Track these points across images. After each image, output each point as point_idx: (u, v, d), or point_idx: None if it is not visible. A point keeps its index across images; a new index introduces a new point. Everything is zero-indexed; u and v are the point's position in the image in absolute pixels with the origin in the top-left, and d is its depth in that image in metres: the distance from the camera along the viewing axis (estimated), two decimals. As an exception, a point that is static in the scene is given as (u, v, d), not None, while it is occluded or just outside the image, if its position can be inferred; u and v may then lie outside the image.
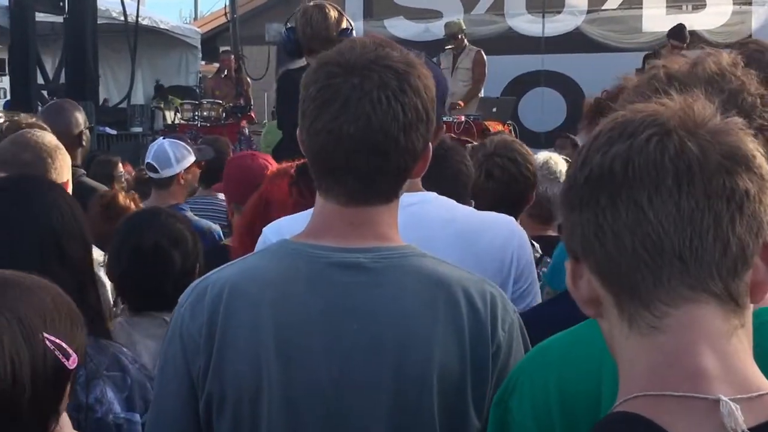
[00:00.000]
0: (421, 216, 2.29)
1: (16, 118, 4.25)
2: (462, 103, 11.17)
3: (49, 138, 3.45)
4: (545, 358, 1.54)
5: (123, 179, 6.32)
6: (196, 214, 4.96)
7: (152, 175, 5.10)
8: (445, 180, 2.76)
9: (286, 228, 2.21)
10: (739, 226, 1.08)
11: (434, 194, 2.40)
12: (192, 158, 5.23)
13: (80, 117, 4.78)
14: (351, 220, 1.76)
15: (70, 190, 3.31)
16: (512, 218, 2.34)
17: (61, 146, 3.44)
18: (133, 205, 4.09)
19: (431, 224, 2.31)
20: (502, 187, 3.34)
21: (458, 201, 2.75)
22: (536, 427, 1.46)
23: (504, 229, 2.25)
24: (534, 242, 3.23)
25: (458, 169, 2.90)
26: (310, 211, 2.23)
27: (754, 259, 1.11)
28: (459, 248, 2.12)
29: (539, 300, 2.49)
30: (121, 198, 4.11)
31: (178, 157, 5.12)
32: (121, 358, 2.24)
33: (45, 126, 3.98)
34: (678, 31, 11.64)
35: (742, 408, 1.05)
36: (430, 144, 1.79)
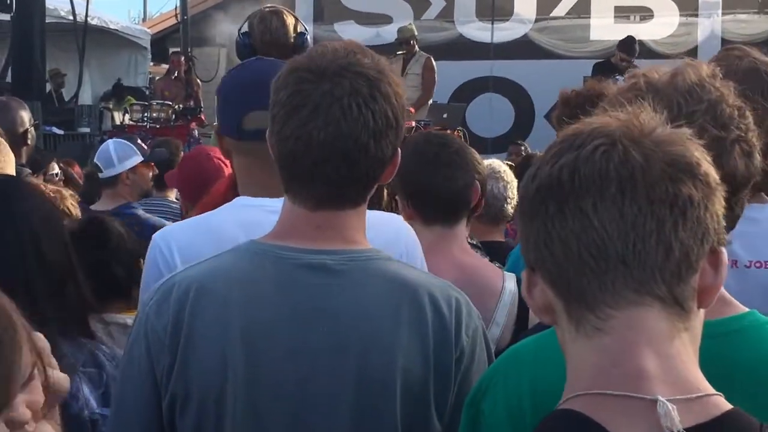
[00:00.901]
0: None
1: None
2: (413, 110, 11.20)
3: None
4: (518, 361, 1.56)
5: (57, 178, 6.27)
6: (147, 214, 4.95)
7: (99, 175, 5.10)
8: (453, 166, 2.77)
9: (174, 234, 2.19)
10: (682, 231, 1.12)
11: None
12: (138, 158, 5.20)
13: (25, 115, 4.73)
14: (318, 223, 1.76)
15: None
16: (399, 217, 2.32)
17: (4, 143, 3.39)
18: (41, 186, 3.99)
19: None
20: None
21: (468, 187, 2.76)
22: (508, 426, 1.48)
23: (390, 227, 2.18)
24: (479, 246, 3.25)
25: (464, 152, 2.85)
26: (205, 217, 2.23)
27: (700, 264, 1.14)
28: None
29: None
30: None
31: (121, 157, 5.12)
32: (98, 354, 2.22)
33: None
34: (628, 43, 11.77)
35: (680, 409, 1.08)
36: (399, 150, 1.80)
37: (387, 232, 2.14)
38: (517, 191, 2.79)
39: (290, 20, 4.76)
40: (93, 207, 5.05)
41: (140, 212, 4.87)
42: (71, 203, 3.75)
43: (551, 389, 1.41)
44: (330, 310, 1.72)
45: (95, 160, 5.10)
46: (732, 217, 1.53)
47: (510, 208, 3.90)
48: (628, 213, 1.11)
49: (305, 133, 1.71)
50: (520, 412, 1.47)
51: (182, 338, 1.72)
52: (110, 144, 5.19)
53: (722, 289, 1.54)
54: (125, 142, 5.42)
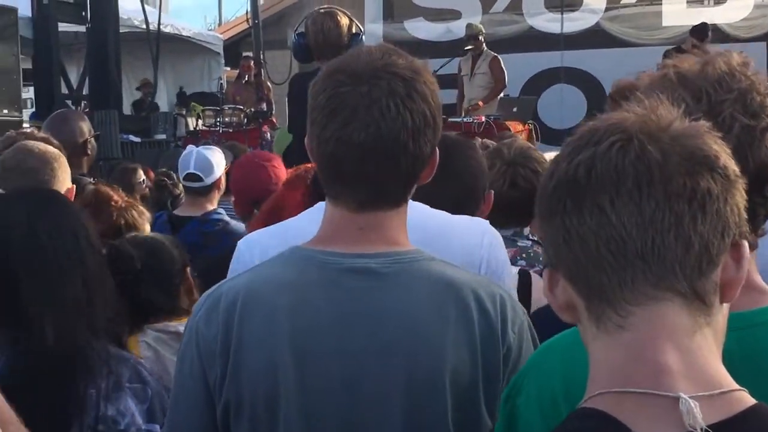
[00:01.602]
0: None
1: (16, 131, 4.28)
2: (481, 103, 11.18)
3: (51, 147, 3.49)
4: (550, 356, 1.56)
5: (144, 186, 6.37)
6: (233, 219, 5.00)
7: (194, 184, 5.10)
8: (452, 176, 2.76)
9: (257, 241, 2.23)
10: (701, 225, 1.11)
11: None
12: (225, 162, 5.28)
13: (84, 126, 4.84)
14: (361, 225, 1.78)
15: (73, 197, 3.34)
16: (485, 221, 2.32)
17: (62, 155, 3.49)
18: (114, 195, 4.04)
19: None
20: (525, 196, 3.35)
21: (468, 195, 2.74)
22: (543, 423, 1.48)
23: (473, 232, 2.23)
24: (539, 243, 3.24)
25: (467, 163, 2.88)
26: (285, 223, 2.27)
27: (721, 258, 1.13)
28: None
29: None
30: (102, 189, 4.03)
31: (218, 162, 5.17)
32: (141, 369, 2.26)
33: (45, 136, 4.01)
34: (700, 29, 11.64)
35: (703, 405, 1.07)
36: (437, 149, 1.82)
37: (471, 236, 2.20)
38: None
39: (344, 21, 4.79)
40: (178, 213, 5.13)
41: (227, 218, 4.91)
42: (136, 215, 3.78)
43: (584, 384, 1.45)
44: (376, 313, 1.74)
45: (192, 170, 5.08)
46: (767, 207, 1.51)
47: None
48: (646, 208, 1.10)
49: (345, 135, 1.73)
50: (554, 407, 1.47)
51: (232, 346, 1.75)
52: (204, 152, 5.22)
53: (758, 279, 1.53)
54: (214, 147, 5.47)
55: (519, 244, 3.27)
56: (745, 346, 1.44)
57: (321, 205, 2.19)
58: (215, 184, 5.12)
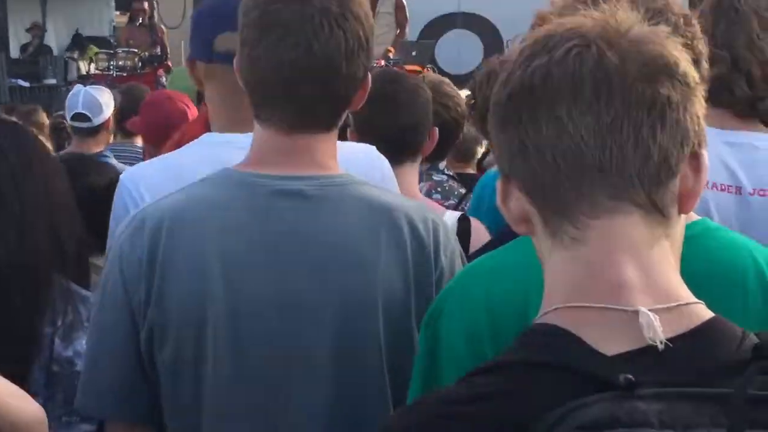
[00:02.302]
0: None
1: None
2: (392, 49, 11.17)
3: None
4: (472, 277, 1.56)
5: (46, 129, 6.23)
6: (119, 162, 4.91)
7: (82, 125, 5.00)
8: (402, 108, 2.72)
9: (142, 175, 2.17)
10: (660, 135, 1.07)
11: None
12: (113, 102, 5.17)
13: None
14: (291, 148, 1.75)
15: None
16: (372, 146, 2.27)
17: None
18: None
19: None
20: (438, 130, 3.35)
21: (416, 128, 2.72)
22: (465, 345, 1.47)
23: (365, 155, 2.18)
24: (455, 177, 3.28)
25: (416, 97, 2.79)
26: (171, 157, 2.20)
27: (680, 167, 1.10)
28: None
29: None
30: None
31: (107, 103, 5.06)
32: None
33: None
34: None
35: (662, 318, 1.04)
36: (369, 73, 1.79)
37: (362, 159, 2.15)
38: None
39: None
40: (62, 154, 5.01)
41: (113, 161, 4.83)
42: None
43: (507, 306, 1.45)
44: (307, 235, 1.72)
45: (81, 110, 4.99)
46: None
47: (481, 150, 3.89)
48: (604, 117, 1.06)
49: (276, 55, 1.69)
50: (477, 330, 1.47)
51: (158, 268, 1.71)
52: (92, 91, 5.11)
53: None
54: (102, 87, 5.37)
55: (434, 177, 3.30)
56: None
57: (207, 137, 2.17)
58: (104, 125, 5.04)
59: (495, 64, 2.55)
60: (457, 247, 1.85)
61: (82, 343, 1.99)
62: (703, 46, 1.55)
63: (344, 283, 1.72)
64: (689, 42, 1.50)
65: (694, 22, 1.56)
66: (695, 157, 1.12)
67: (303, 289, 1.71)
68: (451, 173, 3.29)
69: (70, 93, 5.27)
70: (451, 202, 3.19)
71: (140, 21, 13.78)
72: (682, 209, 1.13)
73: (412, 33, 12.45)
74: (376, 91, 2.71)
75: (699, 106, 1.12)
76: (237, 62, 1.78)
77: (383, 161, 2.22)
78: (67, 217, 2.11)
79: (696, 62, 1.51)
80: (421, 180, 3.26)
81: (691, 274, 1.39)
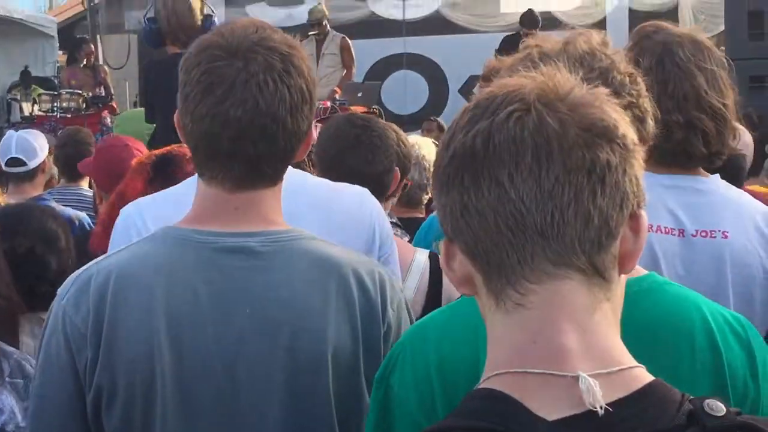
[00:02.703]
0: None
1: None
2: (338, 90, 11.20)
3: None
4: (424, 333, 1.56)
5: None
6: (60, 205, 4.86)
7: (17, 169, 4.95)
8: (372, 150, 2.80)
9: (147, 206, 2.18)
10: (600, 199, 1.08)
11: None
12: (47, 145, 5.13)
13: None
14: (236, 205, 1.75)
15: None
16: (365, 189, 2.32)
17: None
18: None
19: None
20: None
21: (388, 172, 2.80)
22: (417, 400, 1.47)
23: (359, 199, 2.24)
24: (398, 224, 3.28)
25: (386, 136, 2.89)
26: (171, 190, 2.21)
27: (620, 230, 1.11)
28: (316, 220, 2.05)
29: (398, 271, 2.50)
30: None
31: (42, 146, 5.02)
32: (25, 365, 2.15)
33: None
34: (528, 17, 12.00)
35: (602, 383, 1.05)
36: (312, 126, 1.80)
37: (353, 201, 2.21)
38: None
39: (196, 3, 4.73)
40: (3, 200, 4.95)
41: (54, 204, 4.78)
42: None
43: (458, 364, 1.45)
44: (255, 293, 1.71)
45: (15, 154, 4.95)
46: None
47: (427, 196, 3.90)
48: (545, 183, 1.07)
49: (222, 112, 1.69)
50: (429, 387, 1.47)
51: (105, 329, 1.68)
52: (26, 135, 5.07)
53: None
54: (34, 131, 5.33)
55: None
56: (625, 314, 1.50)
57: None
58: (39, 168, 5.00)
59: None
60: (404, 299, 1.85)
61: (5, 400, 1.96)
62: (648, 104, 1.58)
63: (294, 341, 1.71)
64: (635, 100, 1.54)
65: (640, 80, 1.58)
66: (634, 218, 1.13)
67: (252, 348, 1.70)
68: (394, 220, 3.29)
69: (3, 138, 5.23)
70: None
71: (84, 63, 13.67)
72: (623, 269, 1.14)
73: (358, 74, 12.52)
74: (346, 134, 2.77)
75: (638, 167, 1.14)
76: (178, 119, 1.77)
77: (375, 203, 2.27)
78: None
79: (641, 120, 1.55)
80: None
81: (639, 328, 1.40)
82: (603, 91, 1.15)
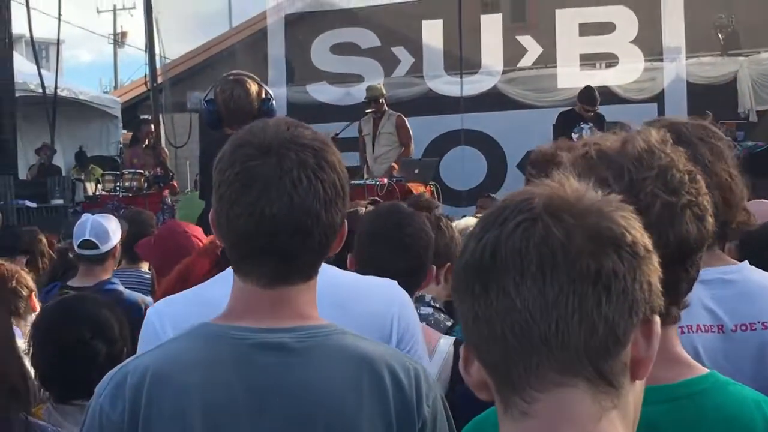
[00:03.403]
0: None
1: None
2: (396, 166, 11.27)
3: None
4: (483, 429, 1.55)
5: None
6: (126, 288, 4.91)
7: (90, 252, 5.00)
8: (406, 248, 2.83)
9: (166, 312, 2.17)
10: (606, 307, 1.09)
11: None
12: (120, 230, 5.20)
13: None
14: (272, 300, 1.75)
15: None
16: (394, 282, 2.31)
17: None
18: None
19: None
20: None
21: (419, 268, 2.82)
22: None
23: (382, 293, 2.22)
24: (442, 309, 3.25)
25: (418, 236, 2.92)
26: (195, 290, 2.22)
27: (629, 337, 1.11)
28: (336, 318, 2.03)
29: (426, 362, 2.49)
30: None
31: (114, 230, 5.08)
32: None
33: None
34: (586, 94, 11.93)
35: None
36: (345, 219, 1.80)
37: (380, 295, 2.20)
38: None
39: (254, 87, 4.79)
40: (72, 283, 4.98)
41: (121, 288, 4.83)
42: (24, 282, 3.68)
43: None
44: (291, 389, 1.70)
45: (89, 237, 5.00)
46: (689, 280, 1.54)
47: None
48: (549, 292, 1.08)
49: (257, 210, 1.70)
50: None
51: (140, 427, 1.68)
52: (100, 219, 5.13)
53: (682, 352, 1.56)
54: (108, 215, 5.40)
55: (420, 312, 3.26)
56: (672, 419, 1.46)
57: (231, 271, 2.17)
58: (111, 252, 5.05)
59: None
60: (440, 394, 1.83)
61: None
62: (707, 202, 1.56)
63: None
64: (694, 199, 1.52)
65: (699, 177, 1.56)
66: (647, 324, 1.13)
67: None
68: (437, 305, 3.26)
69: (78, 221, 5.30)
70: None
71: (147, 142, 13.94)
72: (635, 376, 1.15)
73: (416, 151, 12.60)
74: (383, 229, 2.81)
75: (650, 272, 1.13)
76: (213, 218, 1.79)
77: (403, 294, 2.27)
78: (10, 355, 2.12)
79: (701, 219, 1.53)
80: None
81: (700, 428, 1.44)
82: (614, 197, 1.16)
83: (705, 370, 1.52)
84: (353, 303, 2.18)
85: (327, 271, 2.12)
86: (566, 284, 1.09)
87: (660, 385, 1.48)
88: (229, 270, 2.16)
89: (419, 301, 3.29)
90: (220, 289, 2.09)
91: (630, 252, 1.11)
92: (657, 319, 1.14)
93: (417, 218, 3.00)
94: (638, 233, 1.14)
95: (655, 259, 1.15)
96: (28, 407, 2.25)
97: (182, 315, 2.08)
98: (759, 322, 2.15)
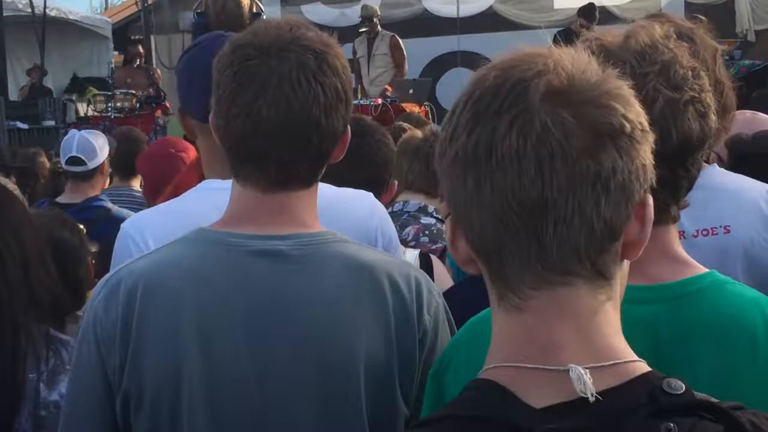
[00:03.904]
0: None
1: None
2: (389, 87, 11.21)
3: None
4: (477, 332, 1.53)
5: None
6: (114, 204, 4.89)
7: (76, 168, 4.98)
8: (363, 160, 2.79)
9: (147, 222, 2.15)
10: (605, 208, 1.07)
11: None
12: (108, 146, 5.16)
13: None
14: (270, 206, 1.72)
15: None
16: (369, 193, 2.29)
17: None
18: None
19: None
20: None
21: (375, 181, 2.77)
22: None
23: (362, 206, 2.19)
24: (441, 219, 3.24)
25: (378, 149, 2.91)
26: (170, 205, 2.19)
27: (624, 226, 1.10)
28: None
29: None
30: None
31: (102, 146, 5.05)
32: None
33: None
34: (587, 10, 11.83)
35: (595, 376, 1.06)
36: (348, 126, 1.76)
37: (360, 208, 2.16)
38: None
39: (245, 0, 4.72)
40: (60, 200, 4.98)
41: (109, 204, 4.81)
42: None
43: None
44: (287, 298, 1.67)
45: (75, 153, 4.98)
46: (689, 179, 1.51)
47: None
48: (548, 195, 1.06)
49: (254, 111, 1.66)
50: None
51: (133, 334, 1.66)
52: (87, 135, 5.10)
53: (681, 251, 1.54)
54: (96, 132, 5.37)
55: (422, 221, 3.26)
56: (673, 317, 1.45)
57: (206, 184, 2.15)
58: (98, 169, 5.03)
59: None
60: (442, 303, 1.79)
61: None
62: (710, 100, 1.52)
63: (324, 350, 1.67)
64: (697, 95, 1.48)
65: (702, 74, 1.52)
66: (641, 205, 1.11)
67: (281, 356, 1.66)
68: (439, 216, 3.25)
69: (65, 137, 5.27)
70: (440, 245, 3.14)
71: (139, 62, 13.81)
72: (625, 257, 1.14)
73: (412, 73, 12.51)
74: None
75: (647, 153, 1.11)
76: (212, 119, 1.74)
77: (381, 205, 2.25)
78: (39, 267, 2.09)
79: (703, 116, 1.50)
80: (408, 224, 3.26)
81: (699, 328, 1.43)
82: (612, 74, 1.12)
83: (704, 269, 1.50)
84: (335, 214, 2.12)
85: None
86: (565, 186, 1.06)
87: (659, 284, 1.48)
88: (199, 187, 2.14)
89: (422, 211, 3.29)
90: (197, 202, 2.10)
91: (628, 141, 1.08)
92: (650, 200, 1.12)
93: (377, 130, 2.98)
94: (635, 115, 1.10)
95: (651, 137, 1.12)
96: (54, 321, 2.21)
97: (162, 227, 2.04)
98: (721, 226, 2.12)
